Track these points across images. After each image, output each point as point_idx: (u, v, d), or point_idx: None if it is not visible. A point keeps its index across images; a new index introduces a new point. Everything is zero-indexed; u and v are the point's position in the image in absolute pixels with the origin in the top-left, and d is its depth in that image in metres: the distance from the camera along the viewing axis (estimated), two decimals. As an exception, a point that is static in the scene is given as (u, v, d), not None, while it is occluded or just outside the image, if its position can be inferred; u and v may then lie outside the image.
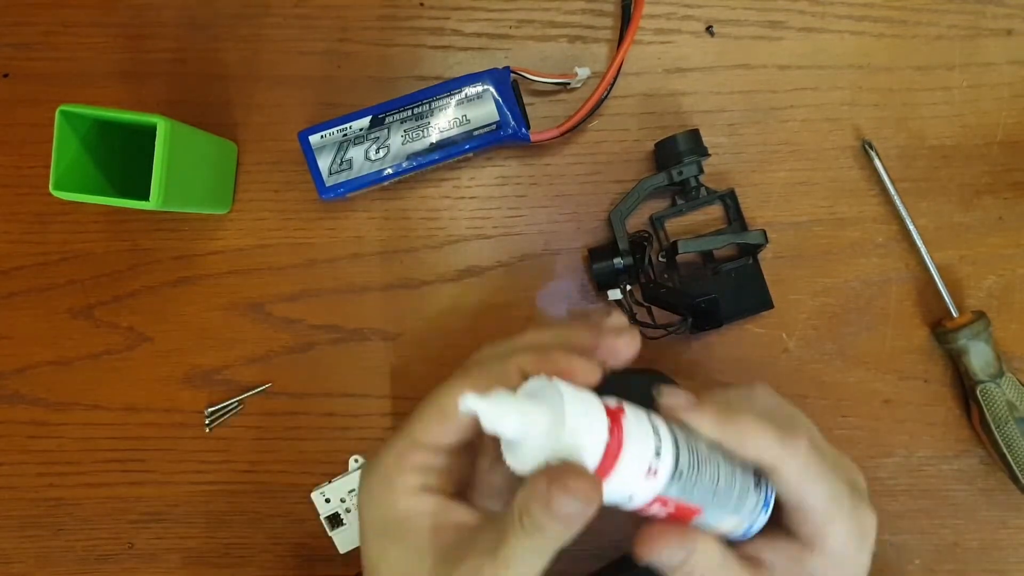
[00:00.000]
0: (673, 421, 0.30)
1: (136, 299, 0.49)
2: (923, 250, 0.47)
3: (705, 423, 0.30)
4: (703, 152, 0.46)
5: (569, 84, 0.47)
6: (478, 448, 0.32)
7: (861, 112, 0.48)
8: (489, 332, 0.49)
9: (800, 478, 0.30)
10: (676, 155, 0.45)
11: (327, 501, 0.47)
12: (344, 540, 0.47)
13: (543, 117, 0.48)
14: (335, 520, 0.47)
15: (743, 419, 0.30)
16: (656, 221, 0.48)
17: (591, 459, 0.27)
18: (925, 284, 0.48)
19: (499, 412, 0.27)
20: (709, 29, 0.48)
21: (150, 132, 0.40)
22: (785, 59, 0.48)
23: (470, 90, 0.44)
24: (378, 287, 0.49)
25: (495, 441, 0.30)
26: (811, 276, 0.48)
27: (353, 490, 0.46)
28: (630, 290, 0.46)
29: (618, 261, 0.46)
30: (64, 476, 0.50)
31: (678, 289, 0.47)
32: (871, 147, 0.47)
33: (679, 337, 0.48)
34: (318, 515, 0.47)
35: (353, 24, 0.49)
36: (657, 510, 0.29)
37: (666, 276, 0.48)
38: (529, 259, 0.49)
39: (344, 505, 0.47)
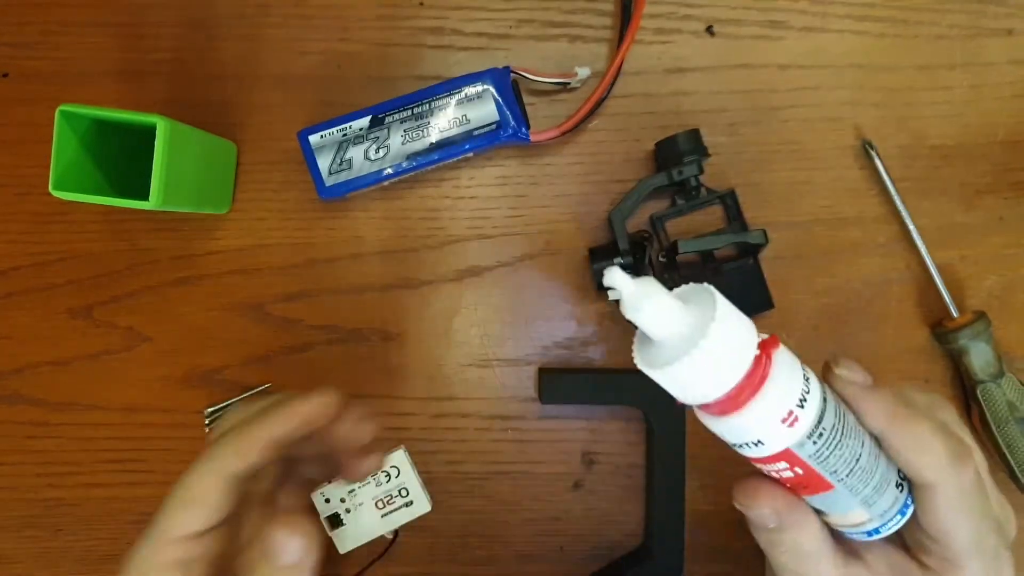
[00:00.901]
0: (838, 394, 0.28)
1: (135, 299, 0.49)
2: (923, 250, 0.47)
3: (878, 411, 0.28)
4: (703, 152, 0.46)
5: (569, 84, 0.47)
6: (240, 518, 0.31)
7: (862, 112, 0.48)
8: (489, 333, 0.49)
9: (955, 505, 0.28)
10: (676, 155, 0.45)
11: (327, 501, 0.47)
12: (344, 540, 0.47)
13: (543, 117, 0.48)
14: (335, 520, 0.47)
15: (920, 423, 0.28)
16: (656, 221, 0.48)
17: (730, 377, 0.25)
18: (925, 284, 0.48)
19: (642, 296, 0.25)
20: (709, 29, 0.48)
21: (150, 132, 0.39)
22: (785, 59, 0.48)
23: (470, 90, 0.44)
24: (378, 287, 0.49)
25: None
26: (811, 276, 0.48)
27: (353, 490, 0.47)
28: (630, 290, 0.46)
29: (618, 261, 0.46)
30: (63, 476, 0.50)
31: (678, 289, 0.47)
32: (872, 147, 0.47)
33: (679, 337, 0.48)
34: (318, 515, 0.47)
35: (353, 24, 0.49)
36: (781, 469, 0.27)
37: (666, 276, 0.48)
38: (529, 259, 0.49)
39: (344, 505, 0.47)
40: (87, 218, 0.49)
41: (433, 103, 0.44)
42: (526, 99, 0.47)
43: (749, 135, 0.48)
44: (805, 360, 0.49)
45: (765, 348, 0.26)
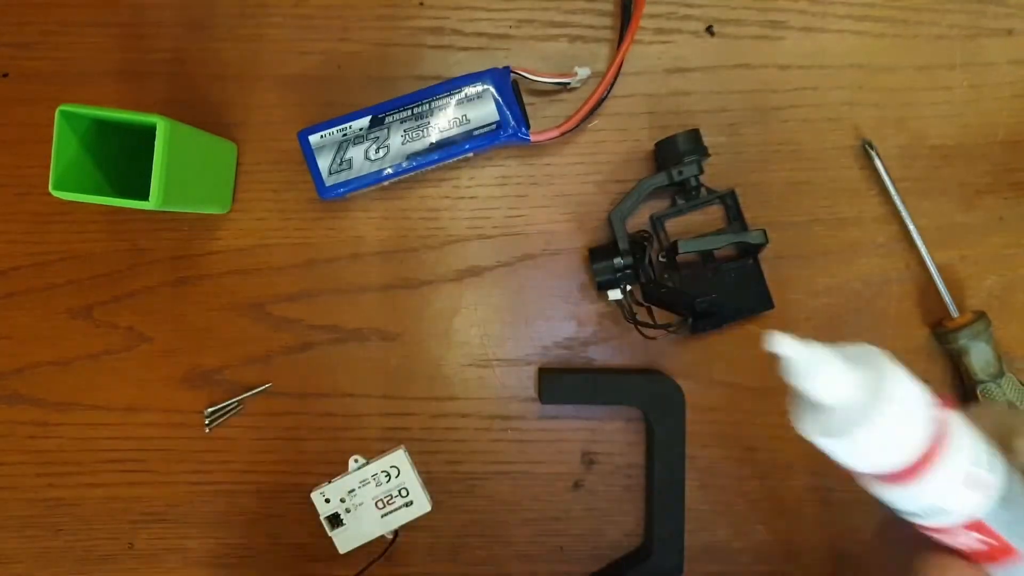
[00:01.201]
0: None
1: (136, 299, 0.49)
2: (923, 250, 0.47)
3: None
4: (703, 152, 0.46)
5: (569, 84, 0.47)
6: None
7: (861, 112, 0.48)
8: (489, 333, 0.49)
9: None
10: (676, 155, 0.45)
11: (327, 501, 0.47)
12: (344, 540, 0.47)
13: (543, 117, 0.48)
14: (335, 520, 0.47)
15: None
16: (656, 221, 0.48)
17: (914, 444, 0.23)
18: (925, 284, 0.48)
19: (813, 363, 0.23)
20: (709, 29, 0.48)
21: (150, 132, 0.39)
22: (785, 59, 0.48)
23: (470, 90, 0.44)
24: (378, 287, 0.49)
25: None
26: (811, 276, 0.48)
27: (353, 490, 0.47)
28: (630, 290, 0.46)
29: (618, 261, 0.46)
30: (64, 476, 0.50)
31: (678, 289, 0.47)
32: (871, 147, 0.47)
33: (679, 337, 0.48)
34: (318, 515, 0.47)
35: (353, 24, 0.49)
36: (967, 540, 0.25)
37: (666, 276, 0.48)
38: (529, 259, 0.49)
39: (344, 505, 0.47)
40: (87, 218, 0.49)
41: (433, 103, 0.44)
42: (526, 99, 0.47)
43: (749, 135, 0.48)
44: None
45: (942, 407, 0.25)
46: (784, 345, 0.24)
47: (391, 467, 0.47)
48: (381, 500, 0.47)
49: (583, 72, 0.46)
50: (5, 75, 0.49)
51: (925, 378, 0.49)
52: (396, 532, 0.48)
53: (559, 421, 0.49)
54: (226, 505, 0.50)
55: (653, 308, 0.47)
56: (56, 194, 0.40)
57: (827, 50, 0.48)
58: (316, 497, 0.47)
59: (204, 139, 0.45)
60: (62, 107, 0.39)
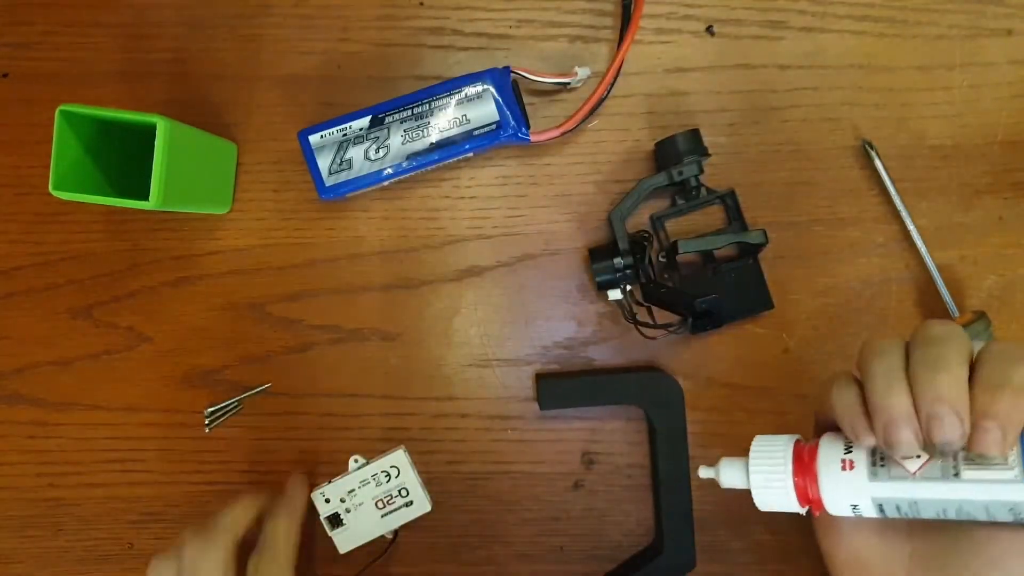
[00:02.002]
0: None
1: (136, 299, 0.49)
2: (923, 250, 0.47)
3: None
4: (703, 152, 0.46)
5: (569, 84, 0.47)
6: None
7: (861, 112, 0.48)
8: (489, 333, 0.49)
9: None
10: (676, 155, 0.45)
11: (327, 501, 0.47)
12: (344, 540, 0.47)
13: (543, 117, 0.48)
14: (335, 520, 0.47)
15: None
16: (656, 221, 0.48)
17: (787, 490, 0.34)
18: (925, 284, 0.48)
19: (722, 477, 0.36)
20: (709, 29, 0.48)
21: (150, 132, 0.40)
22: (785, 59, 0.48)
23: (470, 90, 0.44)
24: (378, 287, 0.49)
25: None
26: (811, 276, 0.48)
27: (353, 490, 0.47)
28: (630, 290, 0.46)
29: (618, 261, 0.46)
30: (64, 476, 0.50)
31: (678, 289, 0.47)
32: (871, 147, 0.47)
33: (679, 337, 0.48)
34: (318, 515, 0.47)
35: (353, 24, 0.49)
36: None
37: (666, 276, 0.48)
38: (529, 259, 0.49)
39: (344, 505, 0.47)
40: (88, 218, 0.49)
41: (433, 103, 0.44)
42: (526, 99, 0.47)
43: (749, 135, 0.48)
44: (805, 360, 0.49)
45: (799, 457, 0.35)
46: (704, 472, 0.37)
47: (391, 467, 0.47)
48: (381, 500, 0.47)
49: (583, 72, 0.46)
50: (5, 75, 0.49)
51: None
52: (396, 532, 0.48)
53: (559, 421, 0.49)
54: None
55: (653, 308, 0.47)
56: (56, 194, 0.40)
57: (827, 50, 0.48)
58: (316, 497, 0.47)
59: (204, 139, 0.45)
60: (62, 107, 0.39)
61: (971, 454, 0.30)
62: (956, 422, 0.28)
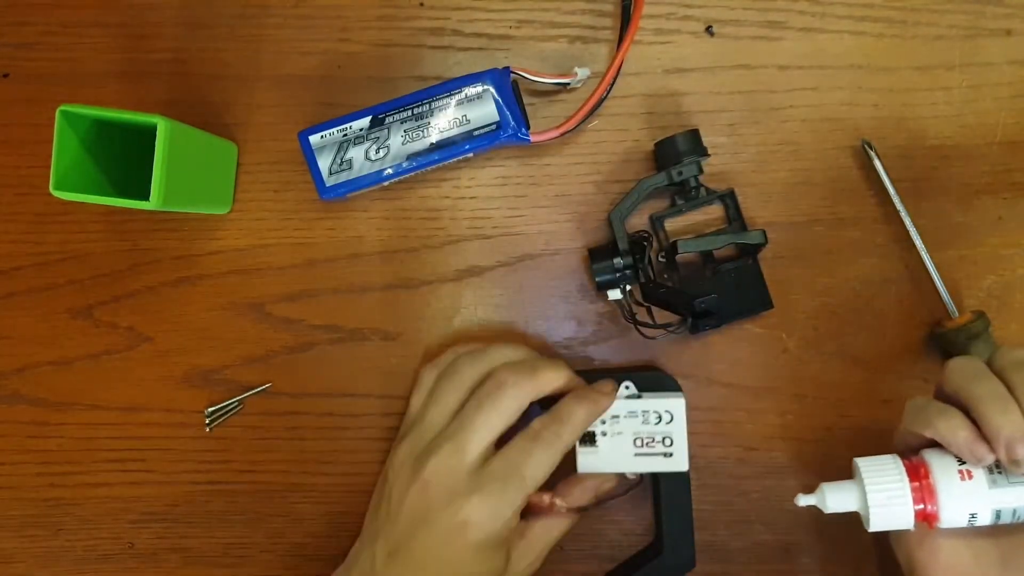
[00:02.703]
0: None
1: (136, 299, 0.49)
2: (922, 250, 0.47)
3: None
4: (703, 152, 0.46)
5: (569, 84, 0.47)
6: None
7: (861, 112, 0.48)
8: (489, 332, 0.49)
9: None
10: (676, 155, 0.45)
11: None
12: (588, 461, 0.43)
13: (543, 117, 0.48)
14: (589, 438, 0.43)
15: None
16: (656, 221, 0.48)
17: (905, 507, 0.36)
18: (924, 284, 0.48)
19: (827, 502, 0.38)
20: (709, 29, 0.48)
21: (150, 132, 0.40)
22: (785, 59, 0.48)
23: (470, 90, 0.44)
24: (378, 287, 0.49)
25: None
26: (811, 276, 0.48)
27: (617, 417, 0.43)
28: (630, 290, 0.46)
29: (618, 261, 0.46)
30: (64, 476, 0.50)
31: (678, 289, 0.47)
32: (871, 147, 0.47)
33: (679, 337, 0.48)
34: (318, 515, 0.46)
35: (353, 24, 0.49)
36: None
37: (666, 276, 0.48)
38: (529, 259, 0.49)
39: (603, 427, 0.43)
40: (88, 218, 0.49)
41: (433, 103, 0.44)
42: (526, 99, 0.47)
43: (749, 135, 0.48)
44: (805, 360, 0.50)
45: (912, 465, 0.36)
46: (804, 500, 0.38)
47: (666, 411, 0.43)
48: (641, 439, 0.43)
49: (583, 72, 0.46)
50: (6, 75, 0.49)
51: (924, 378, 0.49)
52: (642, 477, 0.46)
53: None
54: (226, 505, 0.50)
55: (653, 308, 0.47)
56: (57, 194, 0.40)
57: (826, 50, 0.48)
58: None
59: (204, 139, 0.45)
60: (63, 107, 0.39)
61: None
62: None
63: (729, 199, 0.48)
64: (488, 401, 0.41)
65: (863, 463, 0.37)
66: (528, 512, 0.42)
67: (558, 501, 0.44)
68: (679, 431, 0.43)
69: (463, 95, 0.44)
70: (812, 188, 0.48)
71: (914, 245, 0.47)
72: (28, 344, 0.50)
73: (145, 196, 0.40)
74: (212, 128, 0.47)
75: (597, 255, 0.46)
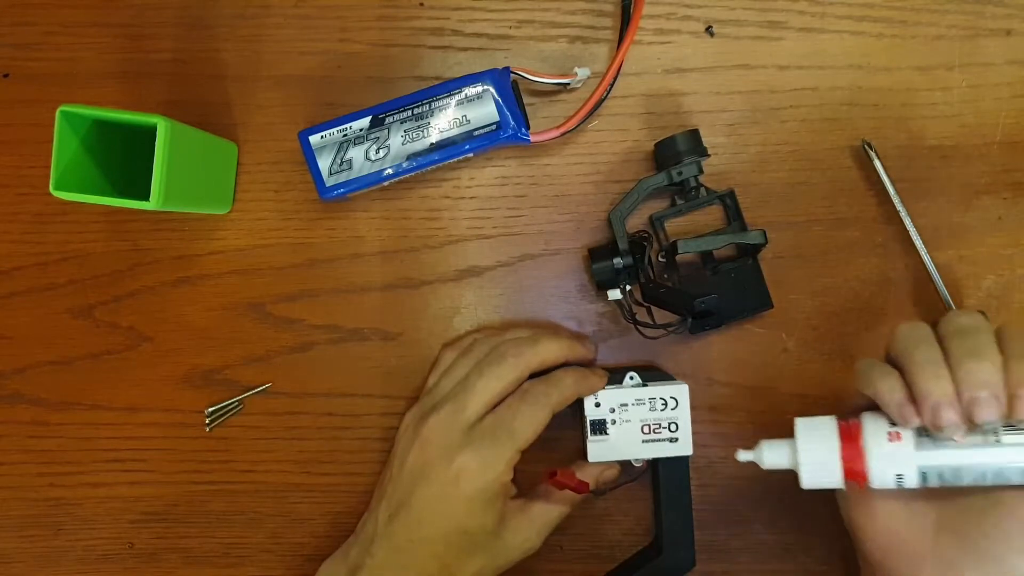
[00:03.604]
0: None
1: (136, 299, 0.49)
2: (922, 250, 0.47)
3: None
4: (703, 152, 0.46)
5: (569, 84, 0.47)
6: None
7: (861, 112, 0.48)
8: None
9: None
10: (676, 155, 0.45)
11: (597, 405, 0.44)
12: (599, 450, 0.44)
13: (543, 117, 0.48)
14: (599, 427, 0.44)
15: None
16: (656, 221, 0.48)
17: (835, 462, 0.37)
18: (924, 284, 0.48)
19: (764, 458, 0.38)
20: (709, 29, 0.48)
21: (150, 132, 0.40)
22: (785, 59, 0.48)
23: (470, 90, 0.44)
24: (378, 287, 0.49)
25: None
26: (811, 276, 0.48)
27: (626, 405, 0.44)
28: (630, 290, 0.46)
29: (618, 261, 0.46)
30: (64, 476, 0.50)
31: (678, 289, 0.47)
32: (870, 147, 0.47)
33: (679, 337, 0.48)
34: (322, 513, 0.46)
35: (353, 24, 0.49)
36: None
37: (666, 276, 0.48)
38: (529, 259, 0.49)
39: (613, 416, 0.44)
40: (88, 218, 0.49)
41: (433, 103, 0.44)
42: (526, 99, 0.47)
43: (749, 135, 0.48)
44: (805, 360, 0.50)
45: (846, 433, 0.37)
46: (743, 456, 0.39)
47: (671, 397, 0.44)
48: (648, 425, 0.44)
49: (583, 72, 0.46)
50: (6, 76, 0.49)
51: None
52: (648, 464, 0.46)
53: (559, 420, 0.49)
54: (226, 505, 0.50)
55: (653, 308, 0.47)
56: (57, 194, 0.40)
57: (826, 50, 0.48)
58: (588, 399, 0.45)
59: (204, 139, 0.45)
60: (63, 107, 0.39)
61: (1011, 421, 0.33)
62: (995, 403, 0.33)
63: (729, 199, 0.48)
64: (488, 368, 0.43)
65: (800, 423, 0.38)
66: (542, 490, 0.45)
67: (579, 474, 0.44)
68: (684, 416, 0.45)
69: (463, 95, 0.44)
70: (812, 188, 0.48)
71: (914, 245, 0.47)
72: (28, 344, 0.50)
73: (145, 196, 0.40)
74: (212, 128, 0.47)
75: (597, 255, 0.46)
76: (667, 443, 0.45)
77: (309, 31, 0.49)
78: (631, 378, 0.46)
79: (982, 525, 0.35)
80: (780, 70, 0.48)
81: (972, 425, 0.33)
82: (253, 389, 0.49)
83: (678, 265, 0.48)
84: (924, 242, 0.47)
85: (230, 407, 0.49)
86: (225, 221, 0.49)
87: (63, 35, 0.49)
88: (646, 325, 0.46)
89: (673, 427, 0.45)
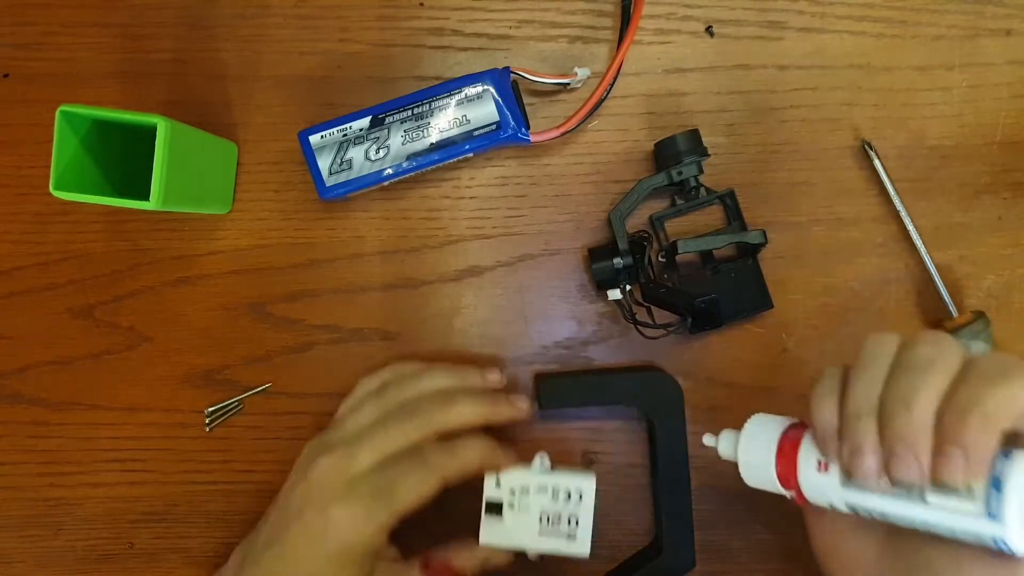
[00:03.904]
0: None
1: (136, 299, 0.49)
2: (922, 250, 0.47)
3: None
4: (703, 152, 0.46)
5: (569, 84, 0.47)
6: None
7: (861, 112, 0.48)
8: (489, 333, 0.49)
9: None
10: (676, 155, 0.45)
11: (497, 485, 0.42)
12: (491, 533, 0.42)
13: (543, 117, 0.48)
14: (495, 508, 0.42)
15: None
16: (656, 221, 0.48)
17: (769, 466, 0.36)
18: (924, 284, 0.48)
19: (721, 447, 0.38)
20: (709, 29, 0.48)
21: (150, 132, 0.40)
22: (785, 59, 0.48)
23: (470, 90, 0.44)
24: (378, 287, 0.49)
25: None
26: (811, 276, 0.48)
27: (527, 490, 0.42)
28: (630, 290, 0.46)
29: (618, 261, 0.46)
30: (64, 476, 0.50)
31: (678, 289, 0.47)
32: (871, 147, 0.47)
33: (679, 337, 0.48)
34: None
35: (353, 24, 0.49)
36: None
37: (666, 276, 0.48)
38: (529, 259, 0.49)
39: (511, 499, 0.42)
40: (88, 218, 0.49)
41: (433, 103, 0.44)
42: (526, 99, 0.47)
43: (749, 135, 0.48)
44: (805, 360, 0.49)
45: (788, 436, 0.36)
46: (708, 440, 0.39)
47: (576, 489, 0.42)
48: (547, 516, 0.42)
49: (583, 72, 0.46)
50: (6, 76, 0.49)
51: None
52: (541, 558, 0.43)
53: (559, 421, 0.49)
54: (226, 505, 0.50)
55: (653, 308, 0.47)
56: (57, 194, 0.40)
57: (826, 50, 0.48)
58: (489, 477, 0.42)
59: (204, 139, 0.45)
60: (62, 107, 0.39)
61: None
62: (914, 464, 0.28)
63: (729, 199, 0.48)
64: (393, 423, 0.41)
65: (751, 422, 0.37)
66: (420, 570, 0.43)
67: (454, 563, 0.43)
68: (586, 512, 0.42)
69: (463, 95, 0.44)
70: (812, 188, 0.48)
71: (914, 245, 0.47)
72: (28, 344, 0.50)
73: (145, 196, 0.40)
74: (212, 128, 0.47)
75: (597, 255, 0.46)
76: (564, 539, 0.42)
77: (309, 31, 0.49)
78: (541, 461, 0.43)
79: (919, 560, 0.33)
80: (780, 70, 0.48)
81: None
82: (253, 389, 0.49)
83: (678, 265, 0.48)
84: (924, 242, 0.47)
85: (230, 407, 0.49)
86: (225, 221, 0.49)
87: (63, 35, 0.49)
88: (646, 325, 0.46)
89: (573, 523, 0.42)
